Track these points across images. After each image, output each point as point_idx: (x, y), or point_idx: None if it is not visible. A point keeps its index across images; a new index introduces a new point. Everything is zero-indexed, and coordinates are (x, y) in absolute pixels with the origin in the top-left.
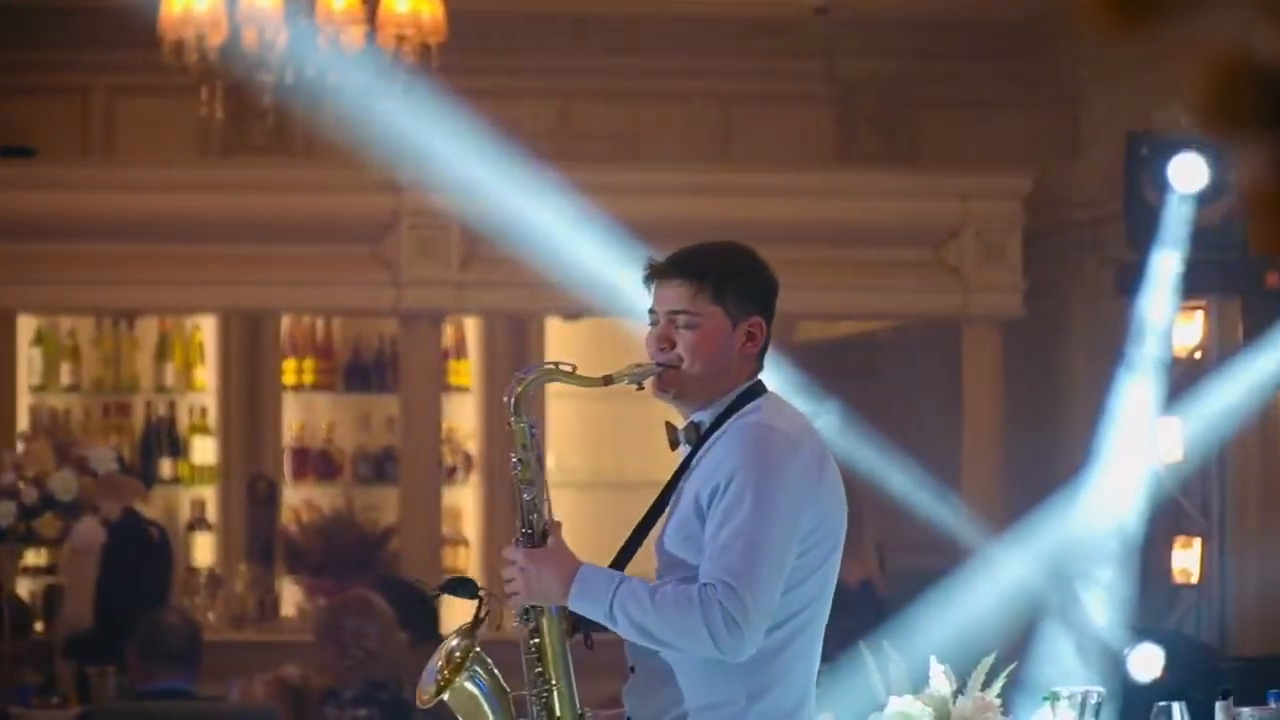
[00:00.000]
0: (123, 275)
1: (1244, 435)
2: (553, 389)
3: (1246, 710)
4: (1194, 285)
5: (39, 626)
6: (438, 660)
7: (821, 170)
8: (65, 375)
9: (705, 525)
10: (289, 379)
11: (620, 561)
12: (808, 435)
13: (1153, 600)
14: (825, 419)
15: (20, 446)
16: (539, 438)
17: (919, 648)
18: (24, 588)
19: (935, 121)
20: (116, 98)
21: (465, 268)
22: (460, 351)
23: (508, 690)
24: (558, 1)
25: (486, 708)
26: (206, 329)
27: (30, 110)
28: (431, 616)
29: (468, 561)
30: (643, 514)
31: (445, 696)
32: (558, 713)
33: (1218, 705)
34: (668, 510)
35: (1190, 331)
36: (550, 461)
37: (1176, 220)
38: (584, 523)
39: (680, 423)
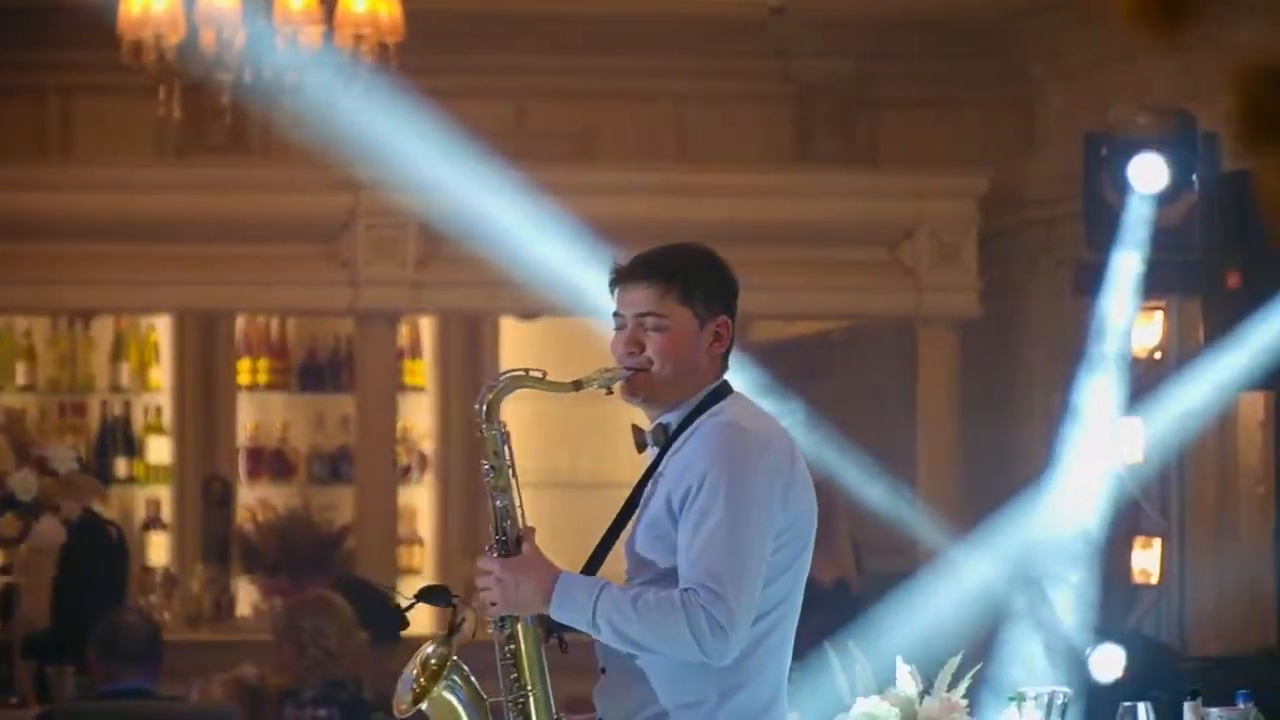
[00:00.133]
0: (78, 275)
1: (1203, 436)
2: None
3: (1215, 711)
4: (1154, 286)
5: None
6: (413, 669)
7: (778, 170)
8: (21, 375)
9: (678, 527)
10: (244, 379)
11: (592, 565)
12: (777, 434)
13: (1113, 601)
14: (790, 419)
15: None
16: (511, 444)
17: (883, 649)
18: None
19: (892, 121)
20: (73, 98)
21: (422, 267)
22: (415, 351)
23: (485, 698)
24: (514, 1)
25: (465, 717)
26: (162, 329)
27: None
28: (390, 617)
29: (423, 561)
30: (612, 516)
31: (424, 706)
32: (534, 718)
33: (1186, 706)
34: (637, 512)
35: (1150, 332)
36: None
37: (1136, 220)
38: (538, 523)
39: (646, 424)
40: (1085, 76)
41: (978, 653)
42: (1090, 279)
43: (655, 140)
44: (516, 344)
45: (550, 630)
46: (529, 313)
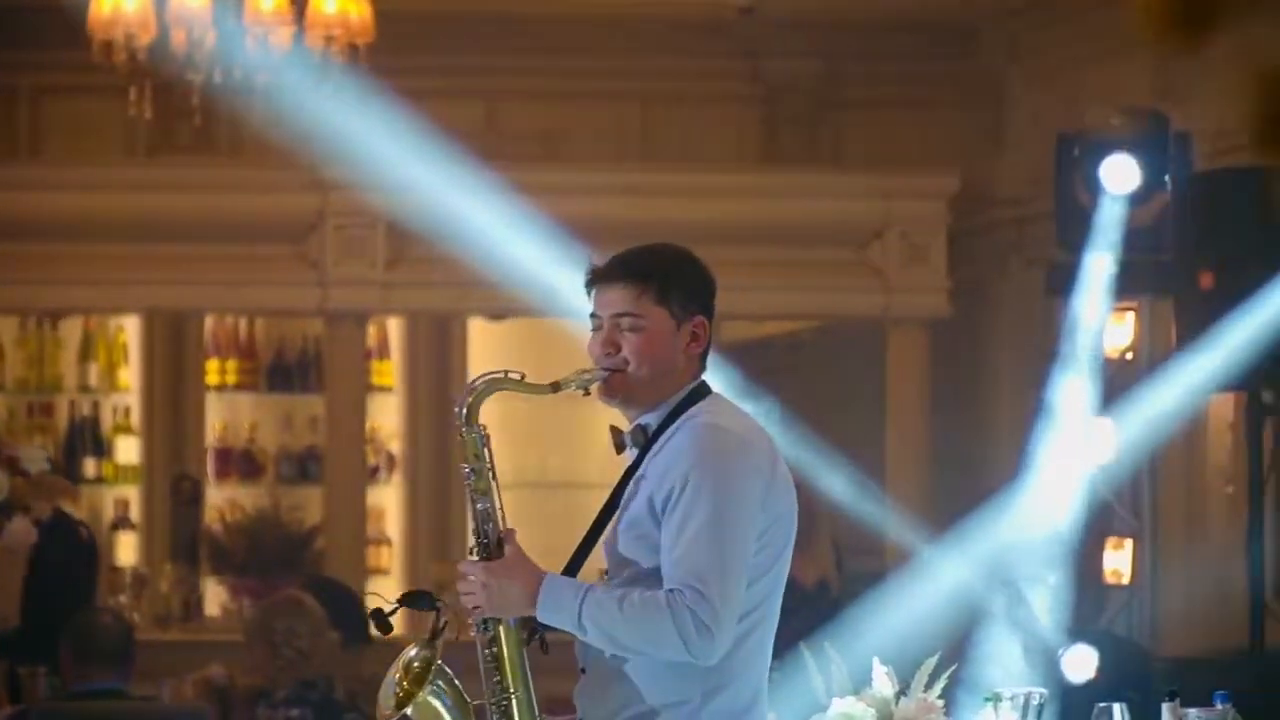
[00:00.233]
0: (47, 275)
1: (1173, 437)
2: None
3: (1193, 711)
4: (1126, 286)
5: None
6: (395, 672)
7: (746, 171)
8: None
9: (661, 527)
10: (212, 379)
11: (573, 566)
12: (758, 435)
13: (1085, 601)
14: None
15: None
16: (491, 447)
17: (859, 649)
18: None
19: (859, 122)
20: (42, 98)
21: (391, 268)
22: (383, 352)
23: (469, 701)
24: (482, 1)
25: None
26: (130, 329)
27: None
28: (362, 617)
29: (390, 561)
30: (581, 516)
31: (409, 710)
32: None
33: (1164, 707)
34: (617, 512)
35: (1122, 332)
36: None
37: (1108, 221)
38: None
39: (624, 425)
40: (1053, 77)
41: (953, 653)
42: (1062, 279)
43: (623, 141)
44: (484, 344)
45: (532, 632)
46: (498, 313)
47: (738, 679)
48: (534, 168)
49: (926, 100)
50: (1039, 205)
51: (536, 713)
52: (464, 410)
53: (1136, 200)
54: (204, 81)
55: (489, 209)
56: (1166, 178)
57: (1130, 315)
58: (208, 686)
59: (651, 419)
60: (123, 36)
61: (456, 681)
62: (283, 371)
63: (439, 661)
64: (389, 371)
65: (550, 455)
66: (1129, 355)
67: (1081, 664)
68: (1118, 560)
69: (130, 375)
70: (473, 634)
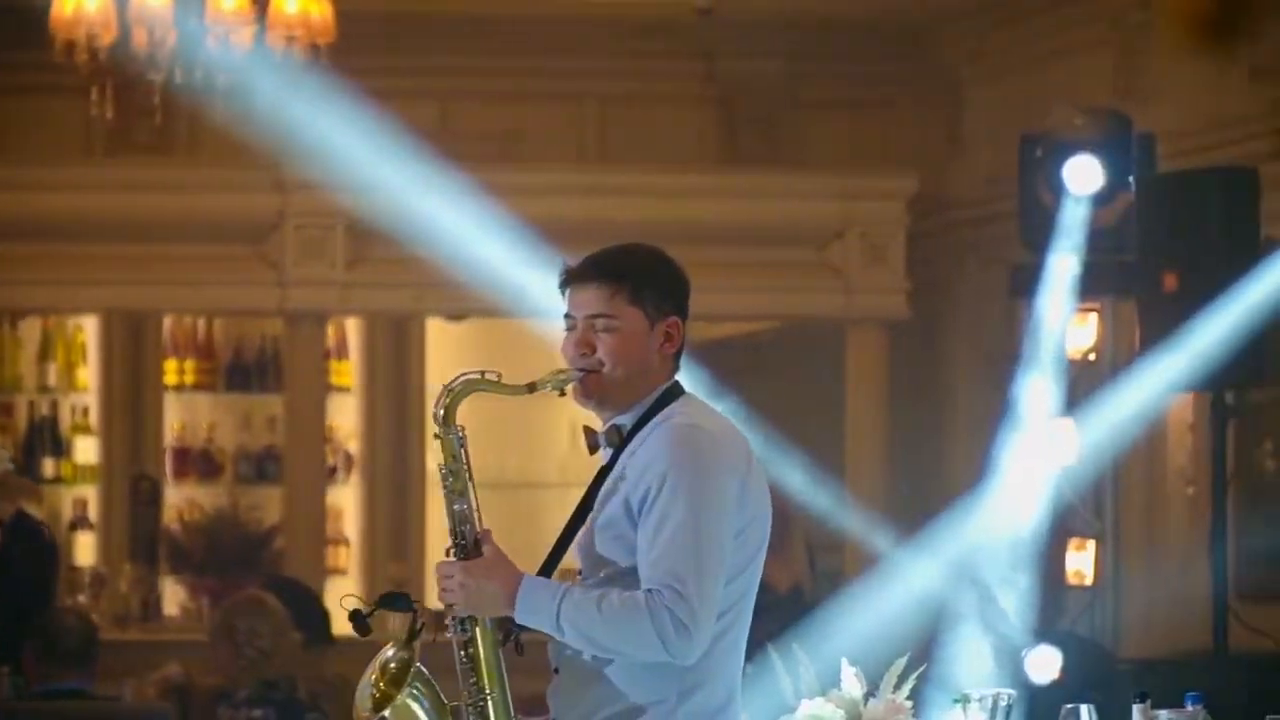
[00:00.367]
0: (5, 275)
1: (1135, 439)
2: (431, 387)
3: (1164, 713)
4: (1089, 287)
5: None
6: (372, 673)
7: (704, 171)
8: None
9: (638, 528)
10: (170, 379)
11: (548, 566)
12: (733, 434)
13: (1048, 602)
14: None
15: None
16: (468, 448)
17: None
18: None
19: (817, 122)
20: (1, 97)
21: (350, 268)
22: (341, 352)
23: (446, 703)
24: (439, 3)
25: None
26: (89, 329)
27: None
28: (324, 617)
29: (348, 561)
30: (542, 515)
31: (387, 713)
32: None
33: (1135, 708)
34: (593, 512)
35: (1085, 334)
36: (430, 461)
37: (1071, 222)
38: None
39: (597, 425)
40: (1011, 78)
41: (921, 654)
42: (1026, 280)
43: (581, 142)
44: (443, 345)
45: (507, 633)
46: (457, 314)
47: (713, 678)
48: (492, 168)
49: (884, 101)
50: (997, 206)
51: (512, 713)
52: (441, 411)
53: (1100, 201)
54: (165, 81)
55: (448, 210)
56: (1130, 179)
57: (1093, 316)
58: (167, 686)
59: (626, 419)
60: (84, 37)
61: (434, 683)
62: (241, 371)
63: (418, 664)
64: (347, 371)
65: (509, 456)
66: (1092, 356)
67: (1045, 665)
68: (1080, 561)
69: (89, 375)
70: (449, 635)
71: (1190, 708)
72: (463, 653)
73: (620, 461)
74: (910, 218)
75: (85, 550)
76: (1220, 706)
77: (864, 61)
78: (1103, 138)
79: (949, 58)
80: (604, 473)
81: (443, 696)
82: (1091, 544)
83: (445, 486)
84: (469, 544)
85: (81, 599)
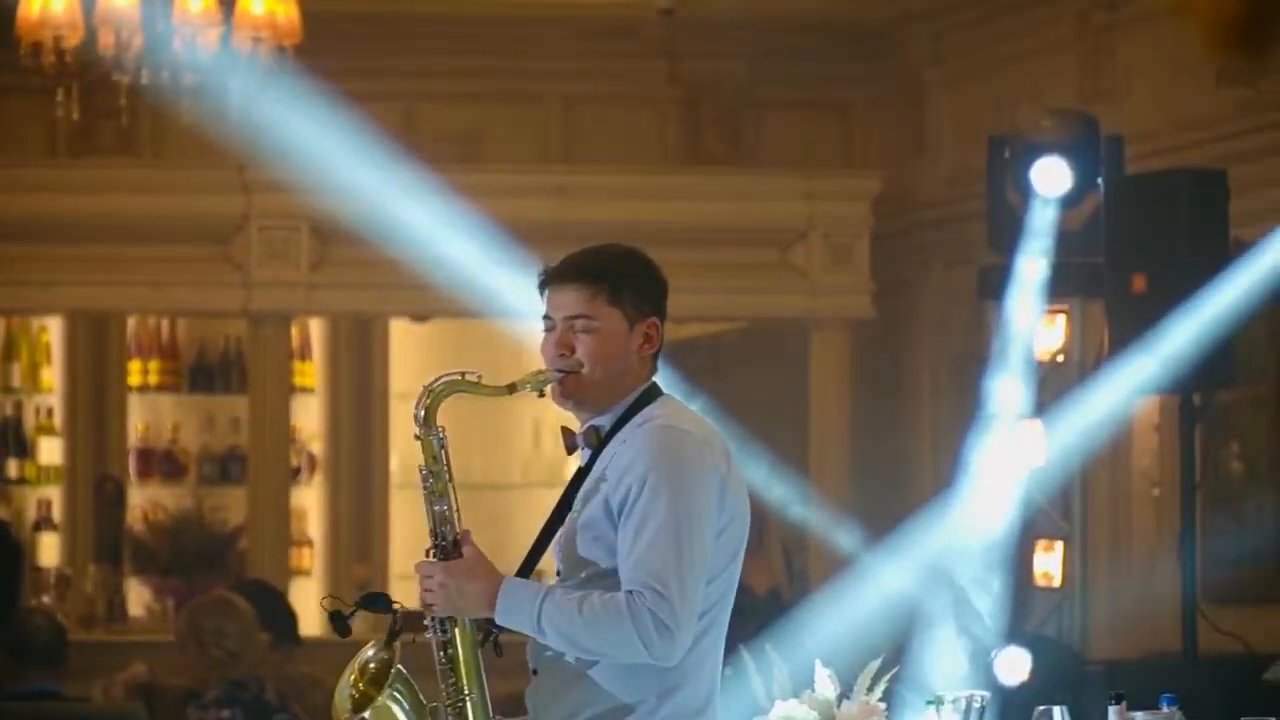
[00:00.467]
0: None
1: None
2: (395, 389)
3: (1140, 715)
4: (1058, 289)
5: None
6: (350, 674)
7: (668, 172)
8: None
9: (619, 529)
10: (134, 380)
11: (526, 567)
12: (713, 436)
13: (1016, 604)
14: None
15: None
16: (448, 448)
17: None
18: None
19: (780, 123)
20: None
21: (315, 269)
22: (305, 353)
23: (425, 704)
24: (401, 3)
25: None
26: (53, 329)
27: None
28: (291, 617)
29: (312, 563)
30: (503, 515)
31: (367, 714)
32: None
33: (1111, 710)
34: (572, 513)
35: (1053, 335)
36: (393, 462)
37: (1039, 223)
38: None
39: (574, 425)
40: (975, 79)
41: (894, 656)
42: (994, 282)
43: (544, 142)
44: (406, 346)
45: (487, 634)
46: (421, 314)
47: (692, 679)
48: (456, 169)
49: (847, 101)
50: (961, 206)
51: (491, 714)
52: (422, 413)
53: (1068, 203)
54: (131, 82)
55: (413, 210)
56: (1099, 180)
57: (1061, 318)
58: (133, 686)
59: (604, 420)
60: (51, 38)
61: (414, 684)
62: (205, 372)
63: (399, 666)
64: (310, 372)
65: (473, 456)
66: (1060, 358)
67: (1014, 666)
68: (1048, 562)
69: (53, 376)
70: (428, 635)
71: (1166, 709)
72: (442, 654)
73: (599, 462)
74: (874, 219)
75: (49, 551)
76: (1192, 709)
77: (827, 62)
78: (1071, 139)
79: (912, 58)
80: (582, 474)
81: (422, 697)
82: (1059, 545)
83: (425, 487)
84: (449, 545)
85: (46, 600)
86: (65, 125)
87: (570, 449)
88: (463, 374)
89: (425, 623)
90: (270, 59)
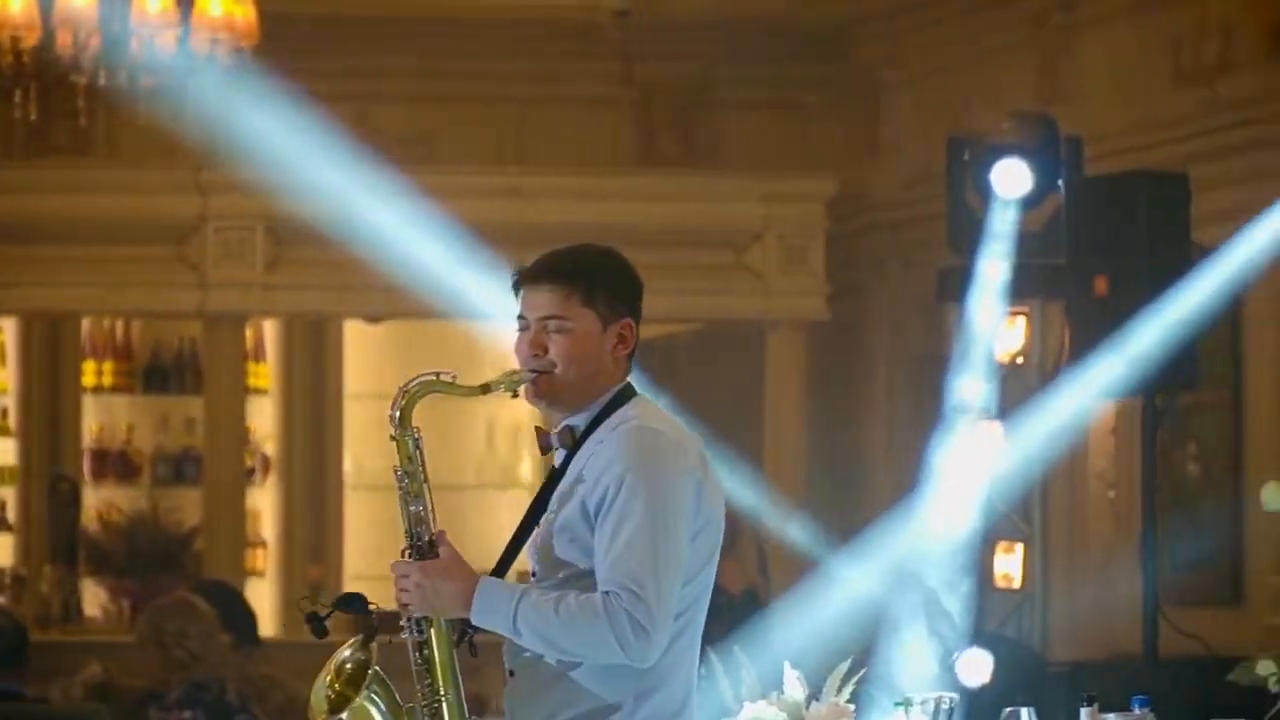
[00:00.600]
0: None
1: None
2: (349, 390)
3: (1112, 716)
4: (1018, 291)
5: None
6: (326, 674)
7: (622, 174)
8: None
9: (595, 530)
10: (89, 380)
11: (501, 568)
12: (688, 437)
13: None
14: None
15: None
16: (424, 449)
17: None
18: None
19: (734, 124)
20: None
21: (271, 270)
22: (258, 354)
23: (402, 705)
24: (356, 5)
25: None
26: (8, 330)
27: None
28: (251, 618)
29: (266, 564)
30: (458, 517)
31: (344, 716)
32: None
33: (1083, 712)
34: (547, 514)
35: (1013, 337)
36: (347, 463)
37: (999, 225)
38: (382, 525)
39: (547, 426)
40: (930, 80)
41: (862, 658)
42: (953, 283)
43: (498, 144)
44: (360, 347)
45: (462, 634)
46: (377, 315)
47: (670, 680)
48: (410, 170)
49: (802, 103)
50: (916, 208)
51: (466, 715)
52: (397, 413)
53: (1028, 204)
54: (89, 83)
55: (368, 211)
56: (1060, 182)
57: (1021, 319)
58: (90, 686)
59: (579, 420)
60: (8, 39)
61: (390, 685)
62: (159, 373)
63: (376, 668)
64: (264, 374)
65: (426, 457)
66: (1020, 359)
67: (976, 668)
68: (1008, 564)
69: (7, 377)
70: (403, 636)
71: (1138, 711)
72: (418, 654)
73: (575, 463)
74: (829, 220)
75: (4, 551)
76: (1159, 711)
77: (782, 63)
78: (1030, 141)
79: (867, 60)
80: (557, 474)
81: (398, 698)
82: (1020, 547)
83: (401, 488)
84: (425, 545)
85: (1, 600)
86: (22, 126)
87: (545, 449)
88: (437, 374)
89: (401, 623)
90: (228, 60)
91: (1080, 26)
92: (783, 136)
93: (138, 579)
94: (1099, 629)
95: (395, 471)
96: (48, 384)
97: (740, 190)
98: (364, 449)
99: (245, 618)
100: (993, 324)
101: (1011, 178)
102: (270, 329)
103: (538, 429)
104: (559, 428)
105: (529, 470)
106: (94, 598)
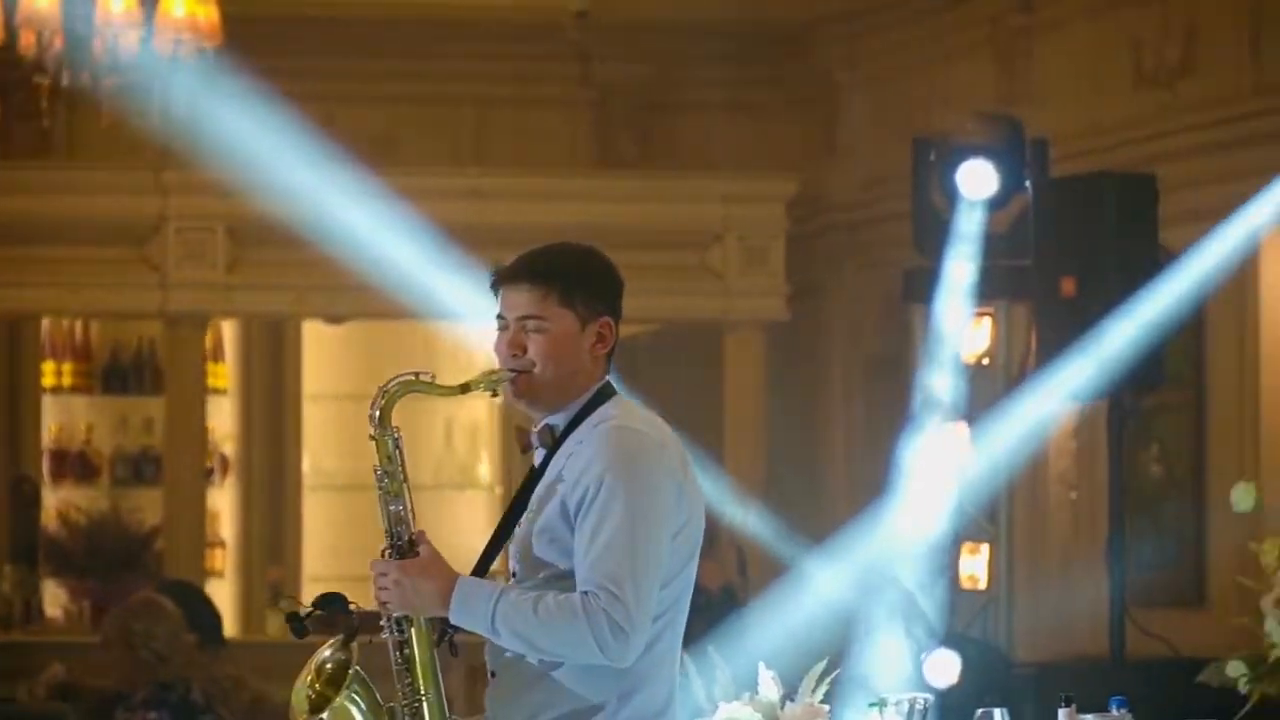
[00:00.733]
0: None
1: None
2: (308, 391)
3: (1090, 717)
4: (985, 292)
5: None
6: (307, 674)
7: (581, 175)
8: None
9: (575, 530)
10: (48, 381)
11: (481, 567)
12: (668, 437)
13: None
14: None
15: None
16: (403, 449)
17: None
18: None
19: (692, 125)
20: None
21: (231, 270)
22: (217, 354)
23: (382, 705)
24: (317, 6)
25: None
26: None
27: None
28: (216, 618)
29: (224, 564)
30: (421, 517)
31: (324, 716)
32: None
33: (1061, 713)
34: (528, 514)
35: (978, 338)
36: (306, 464)
37: (965, 226)
38: (341, 525)
39: (529, 426)
40: (888, 81)
41: (836, 659)
42: (918, 284)
43: (457, 144)
44: (319, 348)
45: (442, 634)
46: (338, 316)
47: (651, 681)
48: (370, 171)
49: (760, 104)
50: (875, 209)
51: (447, 714)
52: (377, 413)
53: (994, 205)
54: (52, 84)
55: (329, 212)
56: (1027, 183)
57: (987, 320)
58: (54, 687)
59: (558, 420)
60: None
61: (371, 684)
62: (118, 374)
63: (357, 668)
64: (223, 374)
65: None
66: (986, 360)
67: (943, 669)
68: (974, 565)
69: None
70: (384, 635)
71: (1116, 712)
72: (398, 654)
73: (555, 463)
74: (791, 220)
75: None
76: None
77: (740, 64)
78: (996, 142)
79: (826, 61)
80: (537, 474)
81: (379, 697)
82: (985, 548)
83: (380, 487)
84: (405, 544)
85: None
86: None
87: (525, 449)
88: (417, 374)
89: (381, 623)
90: (191, 61)
91: (1038, 29)
92: (741, 137)
93: (99, 579)
94: (1063, 630)
95: (375, 471)
96: (7, 385)
97: (701, 191)
98: (323, 450)
99: (210, 618)
100: (958, 325)
101: (977, 179)
102: (229, 329)
103: (518, 429)
104: (539, 426)
105: (487, 471)
106: (55, 598)
